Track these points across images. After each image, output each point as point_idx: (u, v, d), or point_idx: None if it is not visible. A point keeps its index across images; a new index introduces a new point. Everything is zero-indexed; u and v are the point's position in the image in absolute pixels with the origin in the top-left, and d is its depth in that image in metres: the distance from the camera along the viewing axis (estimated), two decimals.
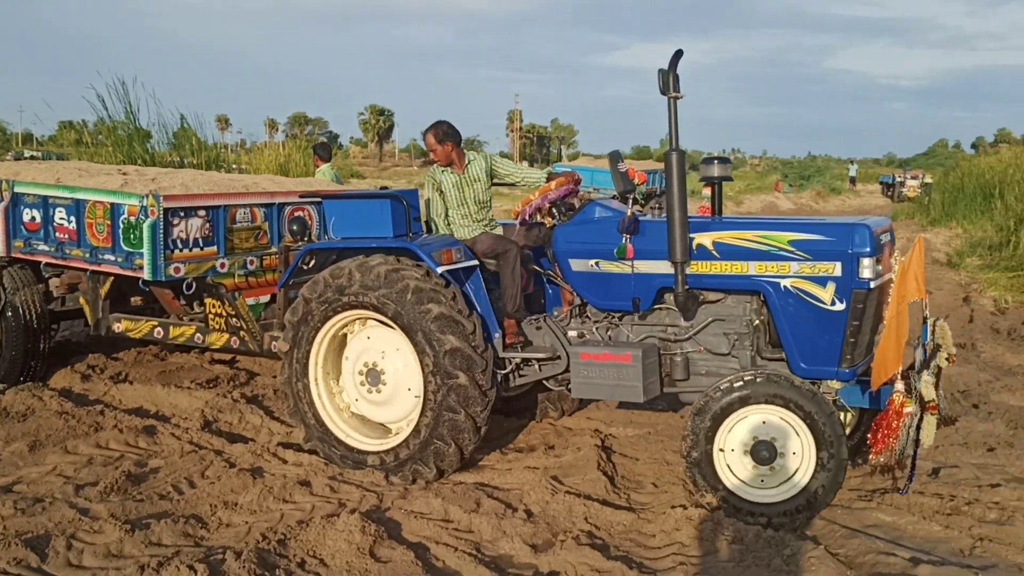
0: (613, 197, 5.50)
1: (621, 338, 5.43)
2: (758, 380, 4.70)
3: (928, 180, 39.14)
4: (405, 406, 5.52)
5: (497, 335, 5.52)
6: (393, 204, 5.57)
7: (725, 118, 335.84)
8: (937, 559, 4.29)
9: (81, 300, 7.60)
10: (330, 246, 5.84)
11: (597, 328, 5.52)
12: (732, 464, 4.79)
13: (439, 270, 5.33)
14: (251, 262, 7.15)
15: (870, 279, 4.69)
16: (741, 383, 4.71)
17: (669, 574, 4.18)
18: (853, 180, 56.82)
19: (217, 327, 7.02)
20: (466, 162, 5.86)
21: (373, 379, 5.56)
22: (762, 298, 5.07)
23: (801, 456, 4.67)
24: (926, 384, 4.51)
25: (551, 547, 4.43)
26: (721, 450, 4.77)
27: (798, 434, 4.65)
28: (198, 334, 7.14)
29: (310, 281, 5.63)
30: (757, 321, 5.13)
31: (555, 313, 5.82)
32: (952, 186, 24.33)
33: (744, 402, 4.69)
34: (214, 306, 7.02)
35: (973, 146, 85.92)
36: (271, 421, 6.61)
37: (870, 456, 4.64)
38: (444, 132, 5.75)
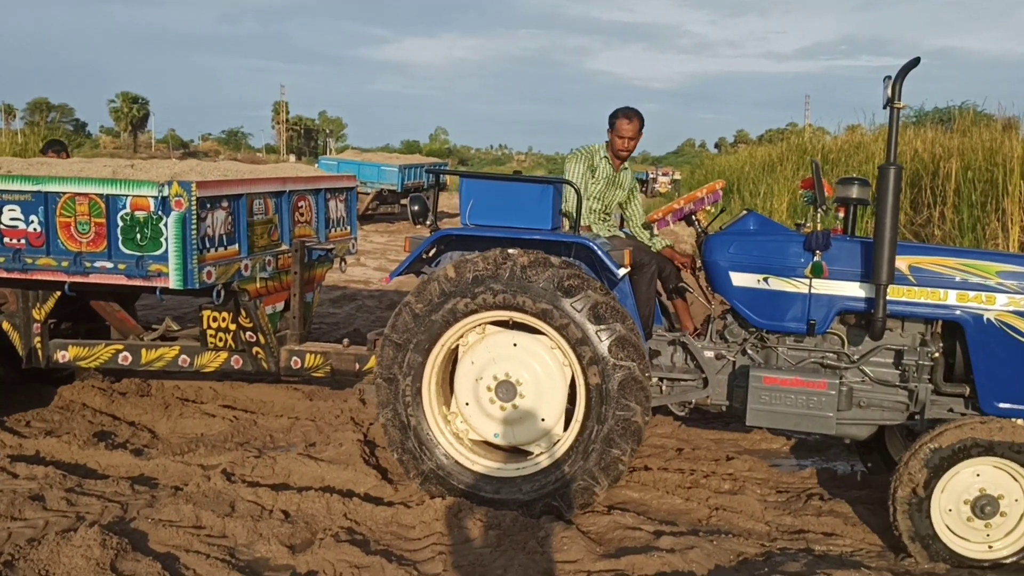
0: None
1: (773, 362, 4.97)
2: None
3: (677, 177, 41.97)
4: (548, 417, 4.80)
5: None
6: (555, 192, 4.88)
7: (494, 114, 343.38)
8: (678, 530, 4.60)
9: (5, 325, 5.98)
10: (483, 234, 4.88)
11: (750, 349, 5.00)
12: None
13: (620, 272, 4.76)
14: (268, 262, 5.93)
15: None
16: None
17: (428, 564, 4.20)
18: None
19: (219, 344, 5.89)
20: (623, 166, 5.40)
21: (507, 392, 4.79)
22: (938, 328, 4.81)
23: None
24: None
25: (310, 546, 4.33)
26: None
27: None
28: (183, 355, 5.99)
29: (427, 276, 4.83)
30: (937, 353, 4.77)
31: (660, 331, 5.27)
32: (698, 182, 26.17)
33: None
34: (216, 319, 5.85)
35: (716, 145, 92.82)
36: (1, 432, 6.02)
37: None
38: (643, 125, 5.25)
